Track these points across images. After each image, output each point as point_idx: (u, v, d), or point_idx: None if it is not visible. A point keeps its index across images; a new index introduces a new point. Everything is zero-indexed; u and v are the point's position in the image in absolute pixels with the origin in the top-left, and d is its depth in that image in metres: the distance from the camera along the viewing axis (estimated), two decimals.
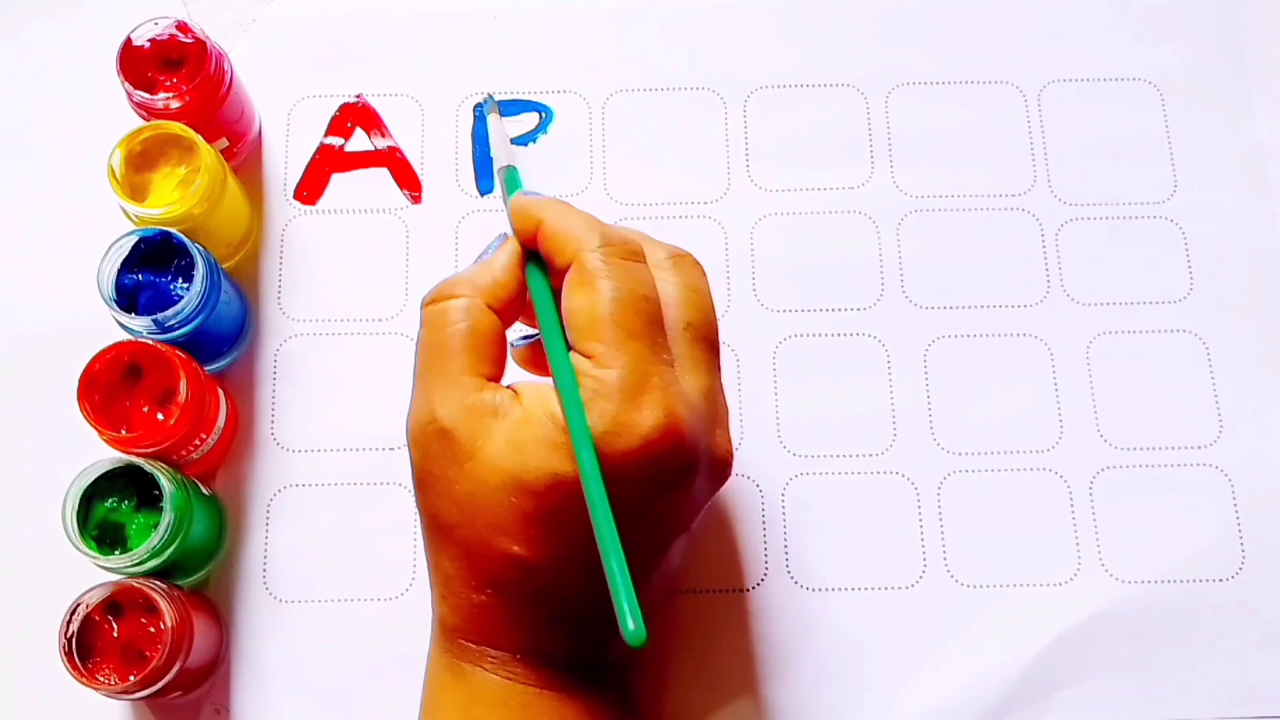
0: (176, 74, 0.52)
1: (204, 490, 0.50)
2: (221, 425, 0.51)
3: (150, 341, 0.48)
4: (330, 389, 0.54)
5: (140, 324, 0.49)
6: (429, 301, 0.43)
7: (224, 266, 0.53)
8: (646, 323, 0.40)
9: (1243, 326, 0.55)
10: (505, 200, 0.46)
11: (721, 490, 0.52)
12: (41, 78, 0.58)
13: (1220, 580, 0.52)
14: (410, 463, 0.42)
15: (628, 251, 0.41)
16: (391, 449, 0.53)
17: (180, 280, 0.50)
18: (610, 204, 0.57)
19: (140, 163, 0.51)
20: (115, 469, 0.47)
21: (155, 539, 0.46)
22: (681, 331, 0.42)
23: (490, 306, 0.42)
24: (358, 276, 0.56)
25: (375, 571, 0.52)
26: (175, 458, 0.50)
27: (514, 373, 0.45)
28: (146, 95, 0.51)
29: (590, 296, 0.40)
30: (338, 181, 0.57)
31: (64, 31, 0.59)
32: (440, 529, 0.42)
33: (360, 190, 0.57)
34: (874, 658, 0.51)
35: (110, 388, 0.48)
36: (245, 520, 0.53)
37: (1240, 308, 0.55)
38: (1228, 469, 0.53)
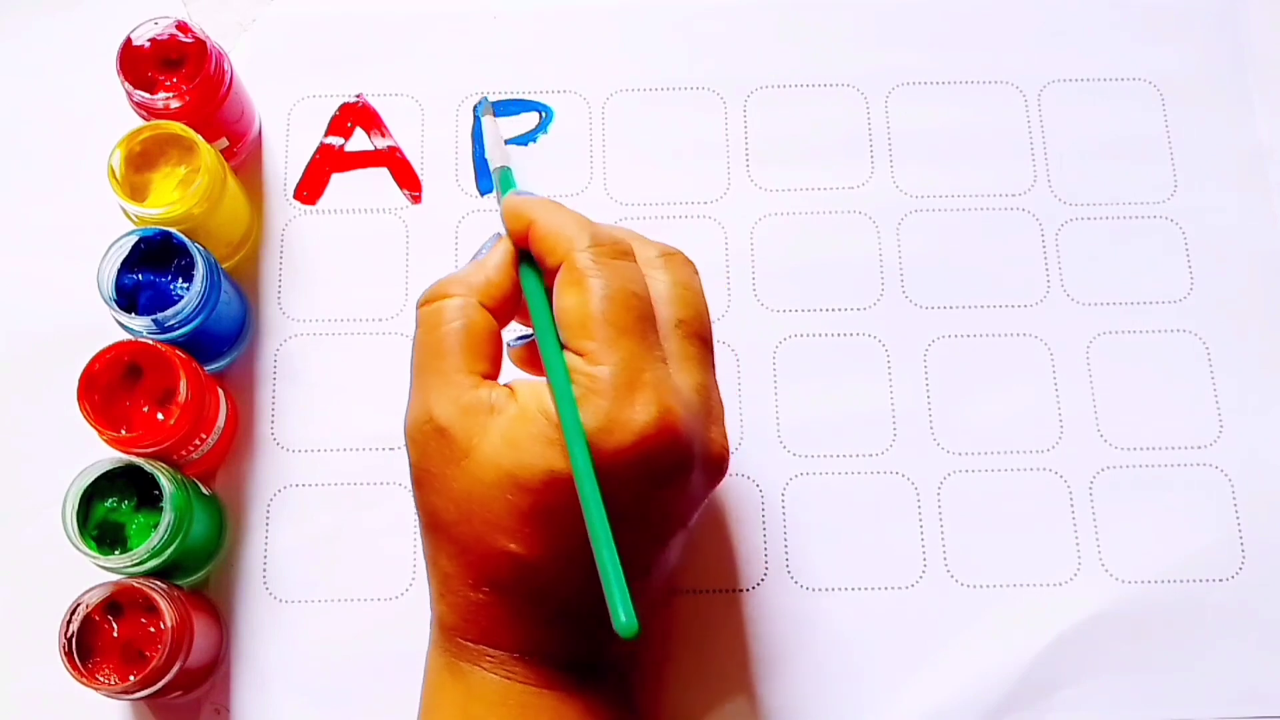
0: (176, 74, 0.52)
1: (204, 490, 0.50)
2: (221, 425, 0.51)
3: (150, 341, 0.48)
4: (330, 389, 0.54)
5: (140, 324, 0.49)
6: (423, 302, 0.43)
7: (224, 266, 0.53)
8: (637, 319, 0.41)
9: (1243, 326, 0.55)
10: (499, 201, 0.46)
11: (721, 490, 0.53)
12: (41, 78, 0.58)
13: (1220, 580, 0.52)
14: (408, 462, 0.42)
15: (617, 251, 0.42)
16: (391, 449, 0.53)
17: (180, 280, 0.50)
18: (610, 204, 0.57)
19: (140, 163, 0.51)
20: (115, 469, 0.47)
21: (155, 539, 0.46)
22: (673, 328, 0.42)
23: (484, 305, 0.43)
24: (358, 276, 0.56)
25: (375, 571, 0.52)
26: (175, 458, 0.50)
27: (513, 373, 0.45)
28: (146, 95, 0.51)
29: (581, 295, 0.41)
30: (338, 181, 0.57)
31: (64, 31, 0.59)
32: (438, 527, 0.42)
33: (360, 190, 0.57)
34: (874, 658, 0.51)
35: (110, 388, 0.48)
36: (245, 520, 0.53)
37: (1240, 308, 0.55)
38: (1228, 469, 0.53)
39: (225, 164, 0.52)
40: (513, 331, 0.46)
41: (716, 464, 0.43)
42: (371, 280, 0.56)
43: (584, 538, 0.38)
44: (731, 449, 0.52)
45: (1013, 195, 0.57)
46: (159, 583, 0.47)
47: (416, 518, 0.43)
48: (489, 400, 0.41)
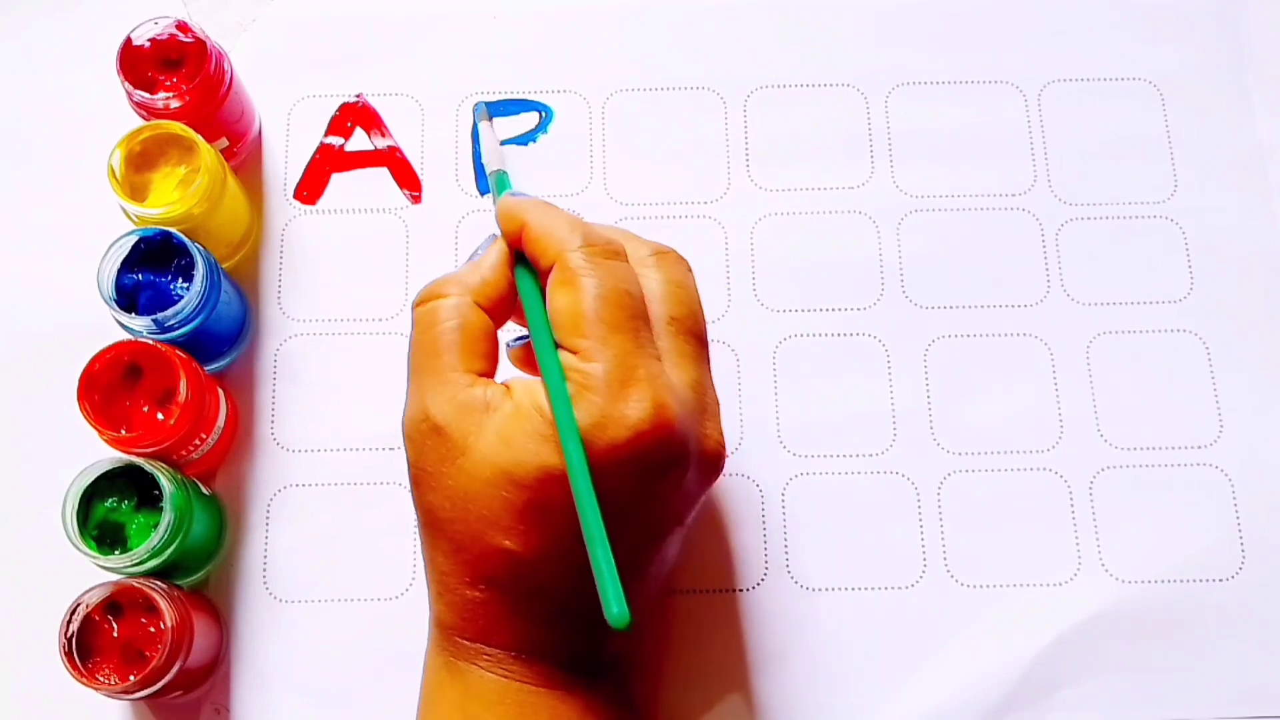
0: (176, 74, 0.52)
1: (204, 490, 0.50)
2: (221, 425, 0.51)
3: (150, 341, 0.48)
4: (330, 389, 0.54)
5: (140, 324, 0.49)
6: (419, 302, 0.43)
7: (224, 266, 0.53)
8: (630, 317, 0.41)
9: (1243, 326, 0.55)
10: (494, 202, 0.47)
11: (721, 490, 0.53)
12: (41, 78, 0.58)
13: (1220, 580, 0.52)
14: (406, 460, 0.42)
15: (609, 250, 0.42)
16: (391, 449, 0.53)
17: (180, 280, 0.50)
18: (610, 204, 0.57)
19: (140, 163, 0.51)
20: (115, 469, 0.47)
21: (155, 539, 0.46)
22: (666, 326, 0.42)
23: (479, 305, 0.43)
24: (358, 276, 0.56)
25: (375, 571, 0.52)
26: (175, 458, 0.50)
27: (511, 373, 0.45)
28: (146, 95, 0.51)
29: (574, 294, 0.41)
30: (338, 181, 0.57)
31: (64, 31, 0.59)
32: (435, 524, 0.42)
33: (360, 190, 0.57)
34: (873, 658, 0.51)
35: (110, 388, 0.48)
36: (245, 520, 0.53)
37: (1240, 308, 0.55)
38: (1228, 469, 0.53)
39: (225, 164, 0.52)
40: (511, 333, 0.46)
41: (712, 460, 0.43)
42: (371, 280, 0.56)
43: (579, 535, 0.38)
44: (731, 449, 0.53)
45: (1013, 195, 0.57)
46: (159, 583, 0.47)
47: (416, 517, 0.43)
48: (484, 398, 0.41)
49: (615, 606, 0.36)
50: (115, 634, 0.46)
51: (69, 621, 0.46)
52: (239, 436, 0.54)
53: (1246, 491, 0.53)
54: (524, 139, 0.58)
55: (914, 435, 0.54)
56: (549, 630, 0.42)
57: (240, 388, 0.54)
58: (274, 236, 0.56)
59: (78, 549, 0.47)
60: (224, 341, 0.53)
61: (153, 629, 0.46)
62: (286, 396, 0.54)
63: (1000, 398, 0.54)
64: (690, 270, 0.45)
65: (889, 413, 0.54)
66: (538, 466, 0.39)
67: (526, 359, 0.46)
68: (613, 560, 0.37)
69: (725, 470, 0.45)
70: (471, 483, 0.40)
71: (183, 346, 0.49)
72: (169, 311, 0.49)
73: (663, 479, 0.41)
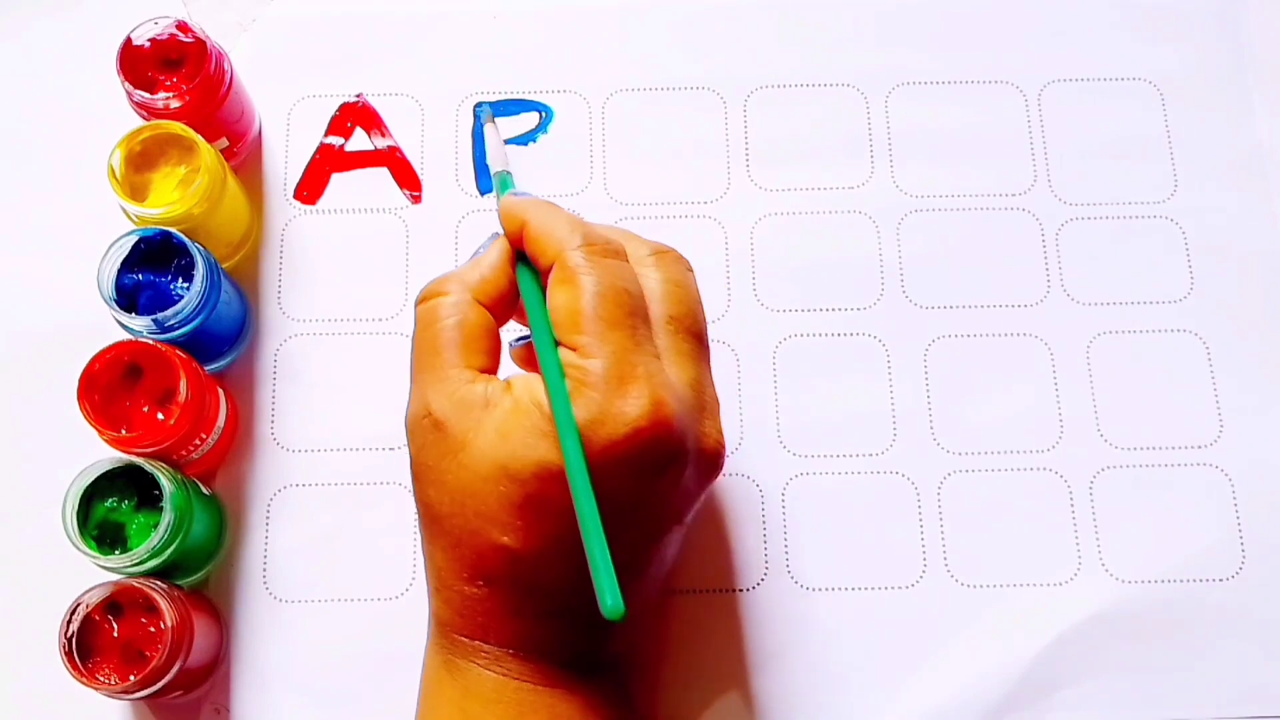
0: (176, 74, 0.52)
1: (204, 490, 0.50)
2: (221, 425, 0.51)
3: (150, 341, 0.48)
4: (330, 389, 0.54)
5: (140, 324, 0.49)
6: (420, 300, 0.44)
7: (224, 266, 0.53)
8: (628, 315, 0.41)
9: (1243, 326, 0.55)
10: (497, 202, 0.47)
11: (721, 490, 0.53)
12: (41, 78, 0.58)
13: (1220, 580, 0.52)
14: (409, 456, 0.43)
15: (609, 250, 0.42)
16: (391, 449, 0.53)
17: (180, 280, 0.50)
18: (610, 204, 0.57)
19: (140, 163, 0.51)
20: (115, 469, 0.47)
21: (155, 539, 0.46)
22: (665, 325, 0.43)
23: (480, 302, 0.43)
24: (358, 276, 0.56)
25: (375, 571, 0.52)
26: (175, 458, 0.50)
27: (514, 371, 0.45)
28: (146, 95, 0.51)
29: (573, 292, 0.41)
30: (338, 181, 0.57)
31: (64, 31, 0.59)
32: (434, 520, 0.42)
33: (360, 190, 0.57)
34: (873, 658, 0.51)
35: (110, 388, 0.48)
36: (245, 520, 0.53)
37: (1240, 308, 0.55)
38: (1228, 469, 0.53)
39: (225, 164, 0.52)
40: (513, 332, 0.46)
41: (710, 459, 0.43)
42: (371, 280, 0.56)
43: (578, 532, 0.38)
44: (731, 449, 0.53)
45: (1013, 195, 0.57)
46: (159, 583, 0.47)
47: (416, 515, 0.43)
48: (484, 394, 0.41)
49: (610, 599, 0.36)
50: (115, 634, 0.46)
51: (69, 621, 0.46)
52: (239, 436, 0.54)
53: (1246, 491, 0.53)
54: (524, 139, 0.58)
55: (914, 435, 0.54)
56: (547, 628, 0.42)
57: (240, 388, 0.54)
58: (274, 236, 0.56)
59: (78, 549, 0.47)
60: (224, 341, 0.53)
61: (153, 629, 0.46)
62: (286, 396, 0.54)
63: (1000, 398, 0.54)
64: (690, 270, 0.45)
65: (889, 413, 0.54)
66: (535, 462, 0.40)
67: (528, 358, 0.46)
68: (608, 551, 0.37)
69: (725, 470, 0.45)
70: (471, 478, 0.40)
71: (183, 346, 0.49)
72: (169, 311, 0.49)
73: (661, 476, 0.41)
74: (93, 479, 0.47)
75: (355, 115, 0.58)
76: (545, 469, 0.40)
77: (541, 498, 0.40)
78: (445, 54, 0.59)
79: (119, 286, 0.50)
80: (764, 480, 0.53)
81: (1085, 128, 0.58)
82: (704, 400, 0.43)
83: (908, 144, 0.58)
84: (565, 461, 0.39)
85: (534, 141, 0.58)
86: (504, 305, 0.44)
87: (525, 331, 0.46)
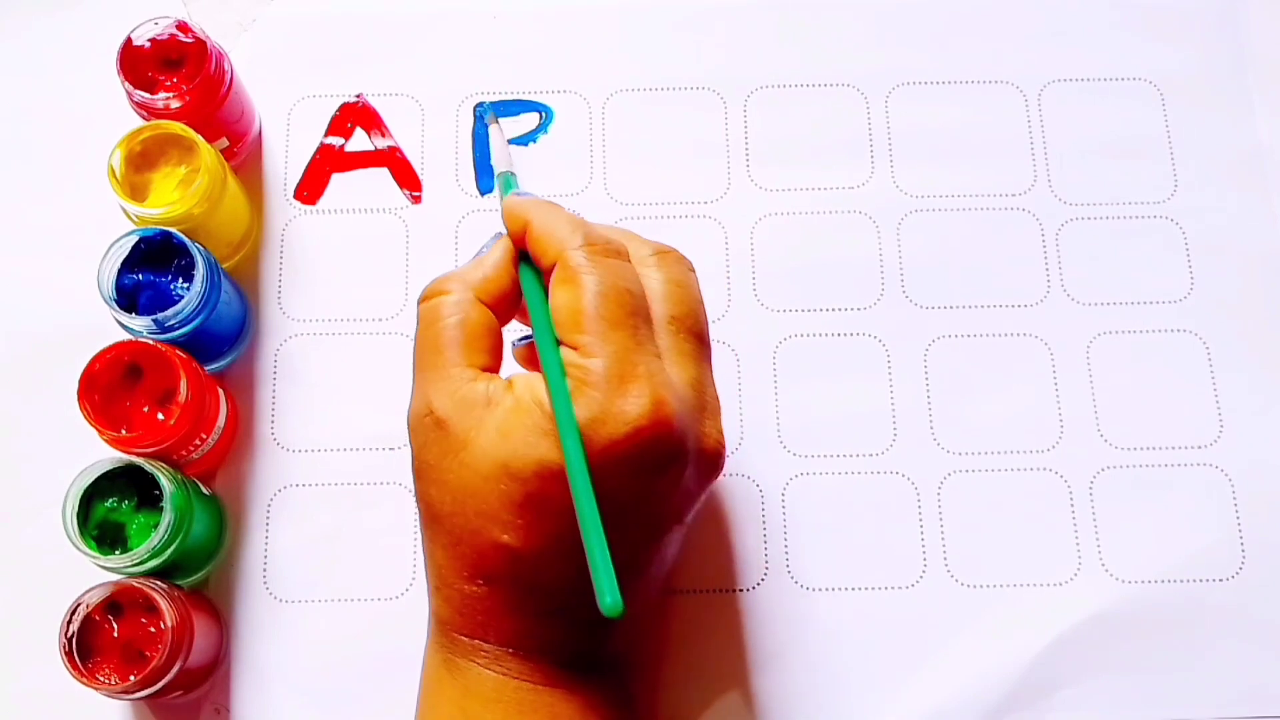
0: (176, 74, 0.52)
1: (204, 490, 0.50)
2: (221, 425, 0.51)
3: (150, 341, 0.48)
4: (330, 389, 0.54)
5: (140, 324, 0.49)
6: (423, 299, 0.44)
7: (224, 266, 0.53)
8: (629, 315, 0.41)
9: (1243, 326, 0.55)
10: (501, 202, 0.47)
11: (721, 490, 0.53)
12: (41, 78, 0.58)
13: (1220, 580, 0.52)
14: (410, 454, 0.43)
15: (610, 250, 0.42)
16: (391, 449, 0.53)
17: (180, 280, 0.50)
18: (610, 204, 0.57)
19: (140, 163, 0.51)
20: (115, 469, 0.47)
21: (155, 539, 0.46)
22: (666, 324, 0.43)
23: (482, 301, 0.43)
24: (358, 276, 0.56)
25: (375, 571, 0.52)
26: (175, 458, 0.50)
27: (515, 370, 0.45)
28: (146, 95, 0.51)
29: (574, 291, 0.41)
30: (338, 181, 0.57)
31: (64, 31, 0.59)
32: (434, 518, 0.42)
33: (360, 190, 0.57)
34: (874, 658, 0.51)
35: (110, 388, 0.48)
36: (245, 520, 0.53)
37: (1240, 308, 0.55)
38: (1228, 469, 0.53)
39: (225, 164, 0.52)
40: (516, 332, 0.46)
41: (711, 459, 0.43)
42: (371, 280, 0.56)
43: (577, 530, 0.38)
44: (731, 449, 0.53)
45: (1013, 195, 0.57)
46: (159, 583, 0.47)
47: (417, 514, 0.43)
48: (485, 393, 0.41)
49: (609, 597, 0.36)
50: (115, 634, 0.46)
51: (69, 621, 0.46)
52: (239, 436, 0.54)
53: (1246, 491, 0.53)
54: (524, 139, 0.58)
55: (914, 435, 0.54)
56: (547, 627, 0.42)
57: (240, 388, 0.54)
58: (274, 236, 0.56)
59: (78, 549, 0.47)
60: (224, 341, 0.53)
61: (153, 629, 0.46)
62: (286, 396, 0.54)
63: (1000, 398, 0.54)
64: (692, 270, 0.45)
65: (889, 413, 0.54)
66: (536, 460, 0.40)
67: (531, 358, 0.46)
68: (607, 549, 0.37)
69: (725, 470, 0.45)
70: (471, 477, 0.40)
71: (183, 346, 0.49)
72: (169, 311, 0.49)
73: (661, 475, 0.41)
74: (93, 479, 0.47)
75: (355, 115, 0.58)
76: (546, 468, 0.40)
77: (542, 496, 0.40)
78: (445, 54, 0.59)
79: (119, 286, 0.50)
80: (764, 480, 0.53)
81: (1085, 128, 0.58)
82: (705, 400, 0.43)
83: (908, 144, 0.58)
84: (566, 460, 0.39)
85: (534, 142, 0.58)
86: (506, 304, 0.44)
87: (528, 331, 0.46)
